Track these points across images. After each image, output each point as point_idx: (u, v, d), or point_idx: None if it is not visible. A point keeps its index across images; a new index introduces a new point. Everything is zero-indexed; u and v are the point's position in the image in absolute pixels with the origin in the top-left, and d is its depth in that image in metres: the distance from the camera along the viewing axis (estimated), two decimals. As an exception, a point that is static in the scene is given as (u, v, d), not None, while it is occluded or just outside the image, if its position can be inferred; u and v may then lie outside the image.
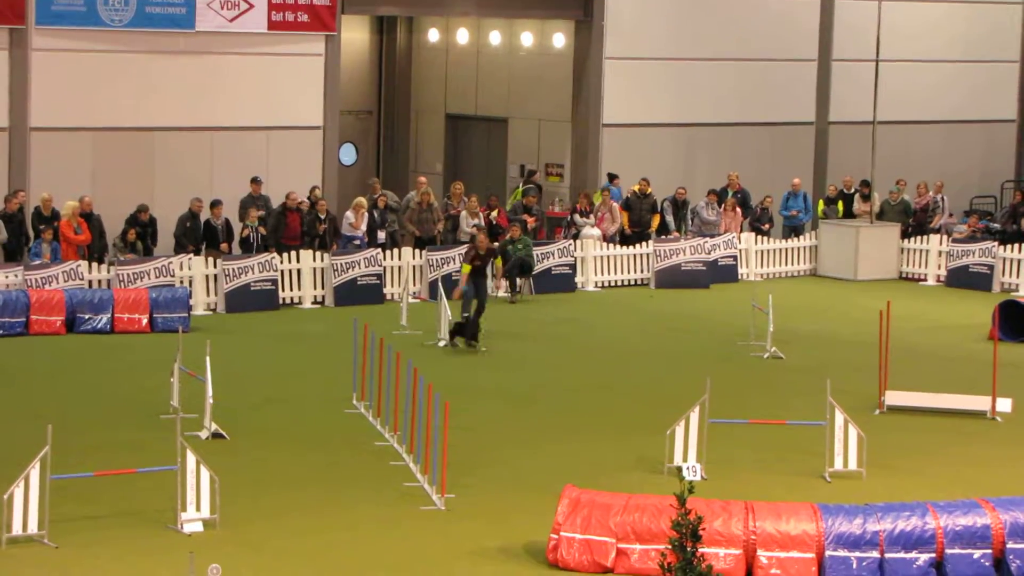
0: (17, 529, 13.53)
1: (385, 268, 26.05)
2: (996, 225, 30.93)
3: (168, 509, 14.15)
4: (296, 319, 24.54)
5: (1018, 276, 28.24)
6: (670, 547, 10.48)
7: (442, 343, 22.22)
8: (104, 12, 26.04)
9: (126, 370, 20.62)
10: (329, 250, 25.99)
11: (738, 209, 29.62)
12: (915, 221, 30.55)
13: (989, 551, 13.29)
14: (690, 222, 29.58)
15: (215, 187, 26.76)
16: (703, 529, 10.54)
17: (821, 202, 31.39)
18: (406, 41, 33.76)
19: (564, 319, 24.94)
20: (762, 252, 29.56)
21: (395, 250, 26.51)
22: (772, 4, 32.19)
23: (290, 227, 26.19)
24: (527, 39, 31.91)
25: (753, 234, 29.55)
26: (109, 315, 22.90)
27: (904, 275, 29.75)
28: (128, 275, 24.13)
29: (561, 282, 27.30)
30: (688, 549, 10.33)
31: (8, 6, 25.31)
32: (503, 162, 32.33)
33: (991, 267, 28.44)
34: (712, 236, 28.87)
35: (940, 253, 29.33)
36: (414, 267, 26.18)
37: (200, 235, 25.83)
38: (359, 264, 25.77)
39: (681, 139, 31.41)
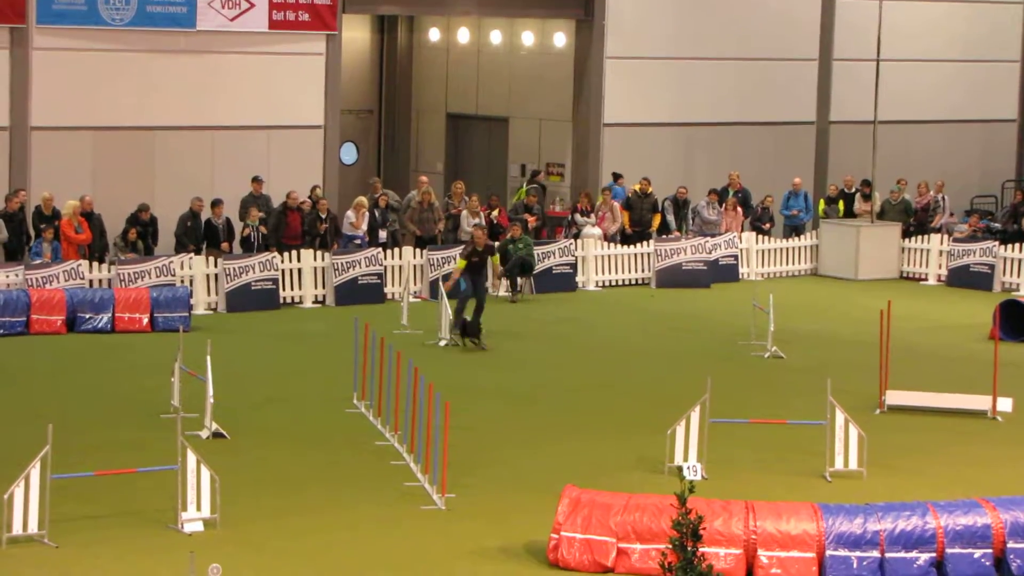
0: (17, 529, 13.54)
1: (386, 268, 26.05)
2: (997, 225, 30.93)
3: (168, 509, 14.15)
4: (297, 318, 24.54)
5: (1019, 276, 28.24)
6: (671, 547, 10.48)
7: (443, 342, 22.22)
8: (105, 11, 26.04)
9: (127, 370, 20.62)
10: (330, 249, 25.99)
11: (739, 209, 29.63)
12: (916, 221, 30.55)
13: (990, 551, 13.29)
14: (691, 221, 29.58)
15: (216, 186, 26.76)
16: (703, 529, 10.54)
17: (822, 201, 31.39)
18: (407, 40, 33.77)
19: (565, 318, 24.94)
20: (763, 252, 29.56)
21: (396, 249, 26.51)
22: (773, 3, 32.19)
23: (291, 226, 26.19)
24: (528, 38, 31.91)
25: (754, 233, 29.55)
26: (110, 314, 22.90)
27: (905, 275, 29.75)
28: (129, 274, 24.13)
29: (562, 281, 27.30)
30: (689, 549, 10.33)
31: (9, 5, 25.32)
32: (504, 162, 32.33)
33: (992, 267, 28.43)
34: (713, 236, 28.88)
35: (941, 253, 29.33)
36: (415, 267, 26.18)
37: (201, 234, 25.83)
38: (360, 263, 25.77)
39: (682, 138, 31.41)
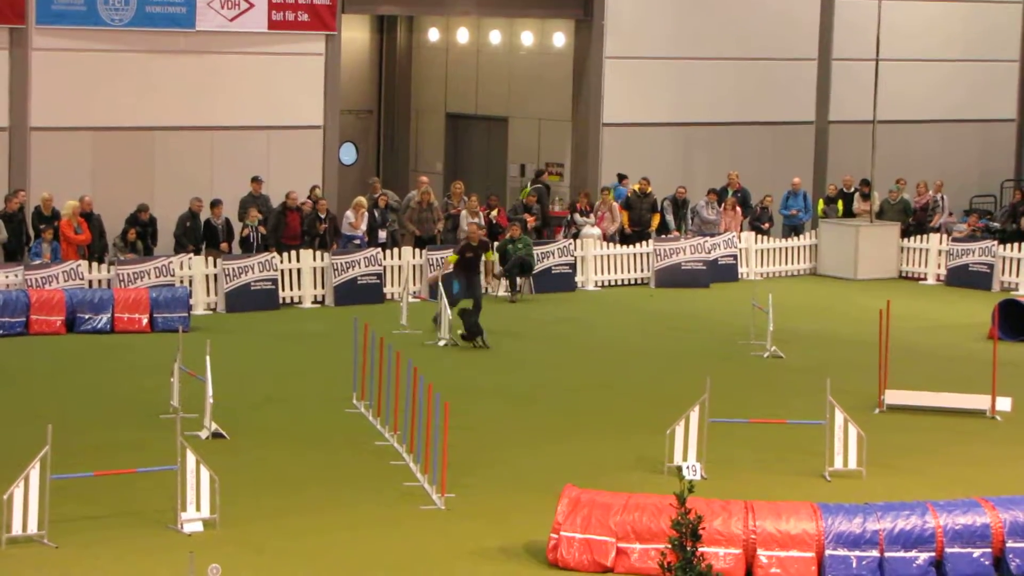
0: (17, 529, 13.54)
1: (385, 268, 26.06)
2: (996, 224, 30.93)
3: (168, 509, 14.16)
4: (296, 319, 24.55)
5: (1018, 275, 28.25)
6: (670, 546, 10.49)
7: (442, 343, 22.23)
8: (104, 11, 26.04)
9: (126, 370, 20.62)
10: (329, 250, 25.99)
11: (738, 208, 29.63)
12: (915, 220, 30.56)
13: (989, 550, 13.30)
14: (690, 221, 29.59)
15: (215, 187, 26.76)
16: (703, 528, 10.55)
17: (821, 201, 31.40)
18: (406, 40, 33.77)
19: (564, 318, 24.94)
20: (762, 251, 29.57)
21: (395, 250, 26.52)
22: (772, 3, 32.20)
23: (290, 227, 26.19)
24: (527, 38, 31.91)
25: (753, 233, 29.56)
26: (109, 315, 22.91)
27: (904, 274, 29.76)
28: (128, 275, 24.14)
29: (561, 281, 27.31)
30: (688, 548, 10.34)
31: (8, 5, 25.32)
32: (503, 161, 32.33)
33: (991, 266, 28.44)
34: (712, 235, 28.88)
35: (940, 252, 29.34)
36: (414, 267, 26.19)
37: (200, 235, 25.83)
38: (359, 264, 25.77)
39: (681, 138, 31.42)
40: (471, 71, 32.80)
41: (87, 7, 25.89)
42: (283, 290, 25.37)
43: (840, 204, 30.90)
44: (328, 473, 15.99)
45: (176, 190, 26.33)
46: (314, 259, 25.65)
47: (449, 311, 22.27)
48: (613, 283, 28.09)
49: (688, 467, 15.61)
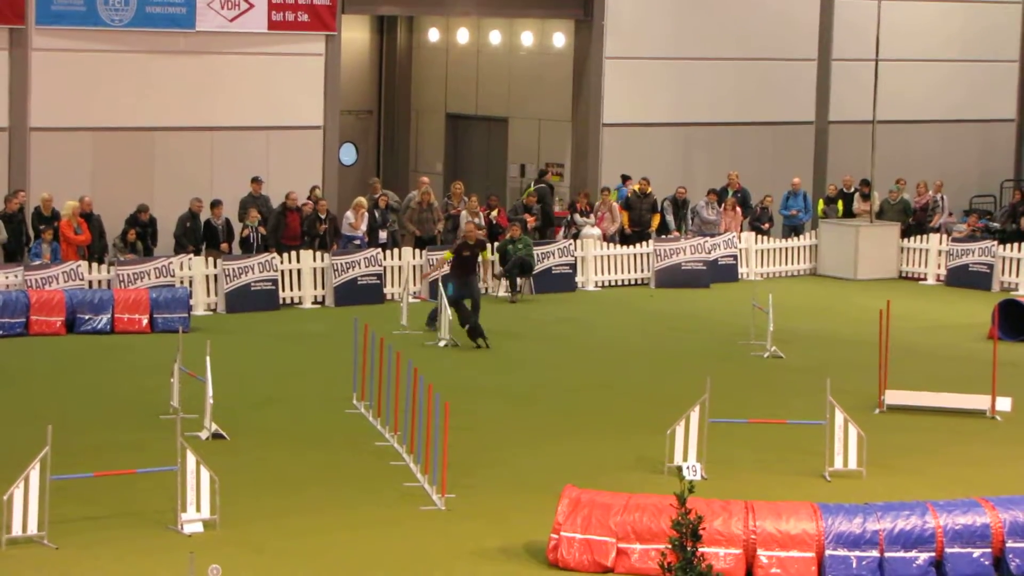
0: (17, 530, 13.54)
1: (385, 268, 26.07)
2: (995, 224, 30.94)
3: (168, 510, 14.16)
4: (296, 319, 24.55)
5: (1017, 275, 28.25)
6: (670, 547, 10.49)
7: (442, 343, 22.23)
8: (104, 12, 26.04)
9: (126, 370, 20.62)
10: (329, 250, 26.00)
11: (738, 208, 29.64)
12: (915, 220, 30.56)
13: (989, 550, 13.30)
14: (690, 221, 29.60)
15: (215, 187, 26.76)
16: (703, 529, 10.55)
17: (821, 201, 31.40)
18: (406, 41, 33.77)
19: (564, 319, 24.95)
20: (762, 251, 29.57)
21: (395, 250, 26.52)
22: (772, 4, 32.20)
23: (290, 227, 26.20)
24: (527, 39, 31.92)
25: (753, 233, 29.57)
26: (109, 315, 22.91)
27: (904, 274, 29.77)
28: (128, 275, 24.14)
29: (561, 282, 27.31)
30: (688, 549, 10.33)
31: (8, 6, 25.32)
32: (503, 162, 32.34)
33: (991, 266, 28.45)
34: (712, 235, 28.89)
35: (940, 252, 29.34)
36: (414, 267, 26.19)
37: (200, 235, 25.84)
38: (359, 264, 25.78)
39: (681, 138, 31.42)
40: (471, 71, 32.80)
41: (87, 7, 25.89)
42: (283, 290, 25.37)
43: (840, 204, 30.91)
44: (328, 473, 15.99)
45: (176, 190, 26.33)
46: (314, 260, 25.66)
47: (448, 311, 22.27)
48: (613, 283, 28.10)
49: (688, 467, 15.61)
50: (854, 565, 13.14)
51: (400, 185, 31.69)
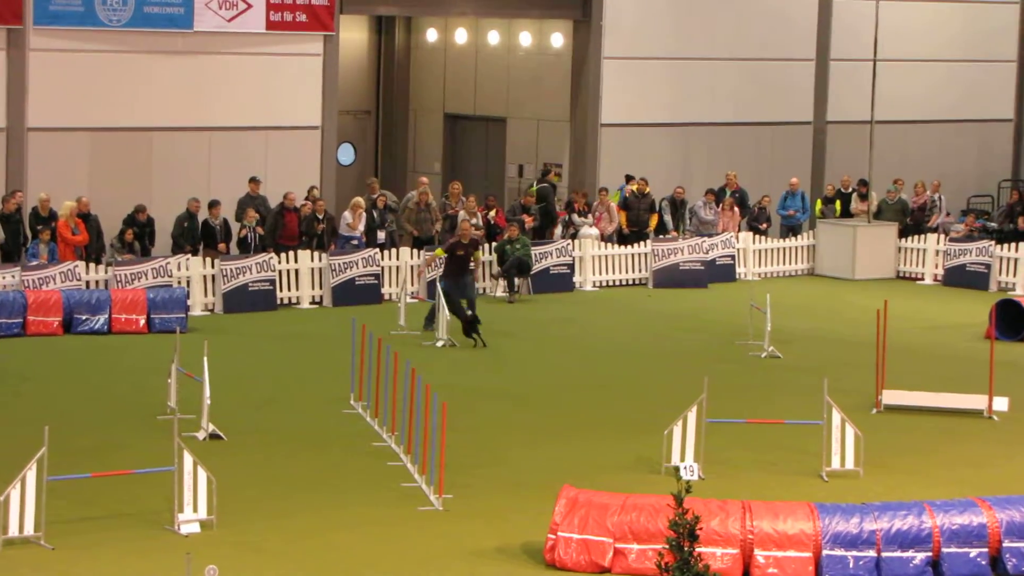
0: (14, 531, 13.53)
1: (383, 268, 26.07)
2: (993, 224, 30.95)
3: (165, 510, 14.16)
4: (294, 319, 24.55)
5: (1015, 275, 28.26)
6: (667, 547, 10.49)
7: (440, 343, 22.22)
8: (102, 12, 26.04)
9: (123, 371, 20.62)
10: (327, 250, 25.99)
11: (736, 209, 29.65)
12: (912, 220, 30.57)
13: (985, 550, 13.31)
14: (688, 222, 29.61)
15: (213, 187, 26.75)
16: (700, 529, 10.54)
17: (819, 201, 31.41)
18: (404, 41, 33.77)
19: (562, 319, 24.95)
20: (760, 251, 29.57)
21: (393, 250, 26.52)
22: (770, 4, 32.21)
23: (288, 227, 26.20)
24: (526, 39, 31.92)
25: (751, 233, 29.57)
26: (106, 316, 22.90)
27: (901, 274, 29.77)
28: (126, 276, 24.14)
29: (559, 282, 27.31)
30: (685, 549, 10.33)
31: (6, 6, 25.30)
32: (502, 162, 32.33)
33: (988, 266, 28.45)
34: (710, 236, 28.90)
35: (937, 252, 29.35)
36: (412, 267, 26.19)
37: (198, 235, 25.83)
38: (357, 264, 25.78)
39: (679, 139, 31.42)
40: (469, 72, 32.80)
41: (85, 8, 25.88)
42: (281, 291, 25.37)
43: (838, 204, 30.91)
44: (326, 474, 15.98)
45: (174, 191, 26.32)
46: (312, 260, 25.65)
47: (446, 311, 22.27)
48: (611, 283, 28.10)
49: (686, 467, 15.61)
50: (851, 565, 13.14)
51: (398, 185, 31.68)
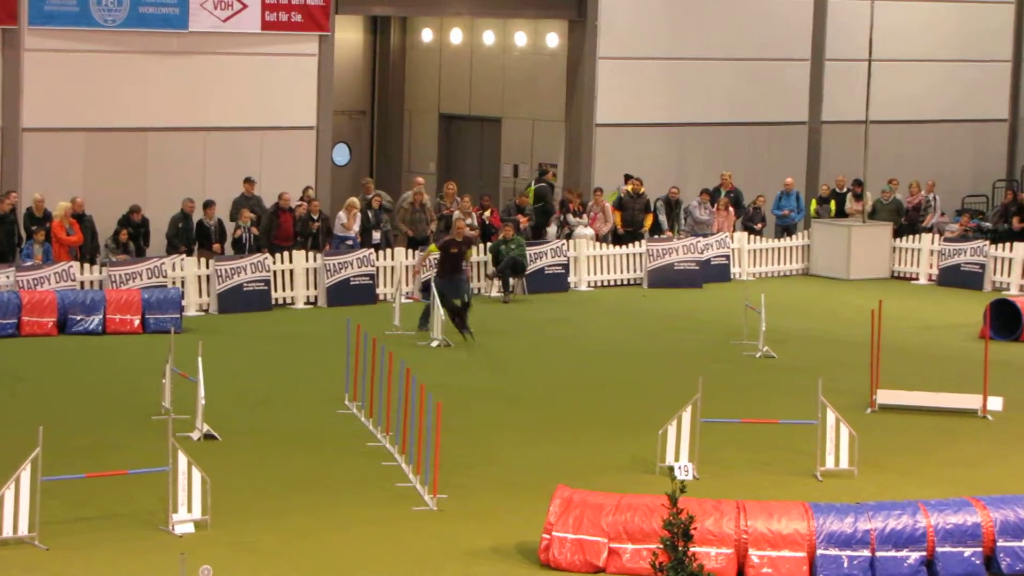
0: (7, 531, 13.52)
1: (378, 268, 26.06)
2: (988, 224, 30.97)
3: (160, 510, 14.15)
4: (289, 320, 24.54)
5: (1009, 275, 28.28)
6: (662, 547, 10.50)
7: (435, 343, 22.22)
8: (97, 12, 26.02)
9: (118, 371, 20.61)
10: (321, 250, 25.99)
11: (731, 208, 29.66)
12: (907, 220, 30.58)
13: (980, 549, 13.31)
14: (683, 222, 29.61)
15: (208, 188, 26.74)
16: (695, 528, 10.56)
17: (813, 201, 31.41)
18: (400, 41, 33.76)
19: (557, 319, 24.95)
20: (755, 251, 29.58)
21: (388, 250, 26.52)
22: (765, 4, 32.22)
23: (283, 227, 26.18)
24: (521, 39, 31.92)
25: (746, 233, 29.59)
26: (101, 316, 22.89)
27: (896, 274, 29.79)
28: (120, 276, 24.13)
29: (554, 282, 27.31)
30: (680, 548, 10.34)
31: (0, 6, 25.28)
32: (497, 162, 32.33)
33: (983, 266, 28.47)
34: (705, 235, 28.91)
35: (932, 252, 29.37)
36: (407, 267, 26.19)
37: (192, 236, 25.81)
38: (352, 264, 25.77)
39: (674, 139, 31.43)
40: (464, 72, 32.79)
41: (80, 8, 25.86)
42: (275, 291, 25.36)
43: (833, 204, 30.92)
44: (320, 474, 15.98)
45: (168, 191, 26.31)
46: (307, 260, 25.65)
47: (441, 312, 22.28)
48: (606, 283, 28.10)
49: (680, 467, 15.52)
50: (845, 565, 13.15)
51: (393, 185, 31.67)
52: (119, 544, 13.63)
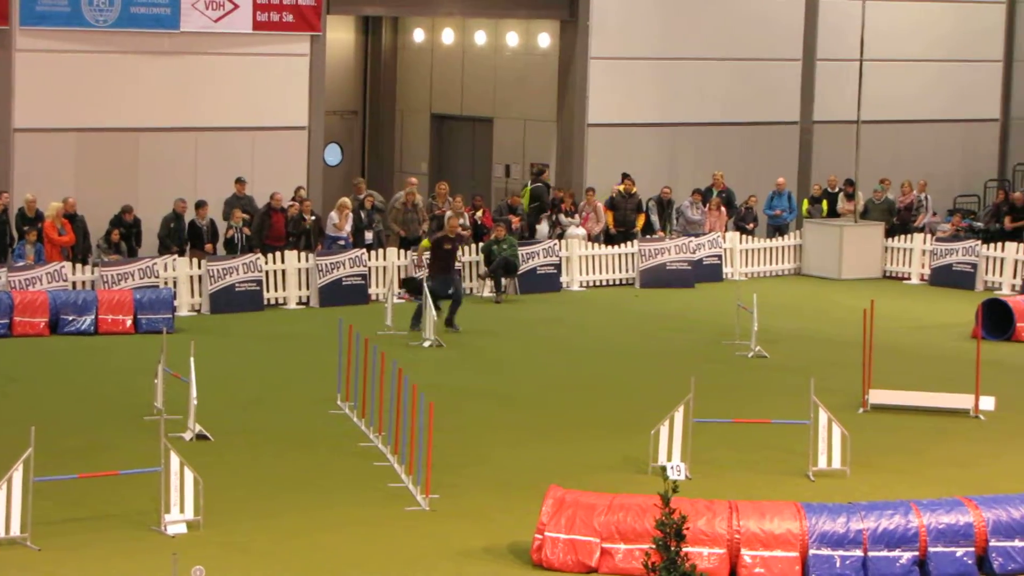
0: None
1: (370, 268, 26.06)
2: (979, 224, 31.01)
3: (152, 511, 14.14)
4: (281, 320, 24.53)
5: (1001, 275, 28.32)
6: (654, 547, 10.50)
7: (427, 343, 22.22)
8: (88, 12, 25.99)
9: (110, 372, 20.59)
10: (313, 251, 25.97)
11: (723, 208, 29.67)
12: (899, 220, 30.62)
13: (972, 549, 13.33)
14: (675, 221, 29.63)
15: (199, 188, 26.72)
16: (687, 528, 10.55)
17: (805, 201, 31.45)
18: (391, 41, 33.76)
19: (549, 319, 24.96)
20: (747, 251, 29.60)
21: (380, 250, 26.51)
22: (757, 4, 32.24)
23: (275, 228, 26.17)
24: (512, 39, 31.92)
25: (738, 233, 29.61)
26: (93, 316, 22.87)
27: (888, 274, 29.82)
28: (112, 276, 24.10)
29: (546, 282, 27.32)
30: (672, 548, 10.34)
31: (-8, 7, 25.28)
32: (488, 162, 32.33)
33: (974, 266, 28.51)
34: (697, 235, 28.92)
35: (924, 252, 29.40)
36: (399, 267, 26.18)
37: (184, 236, 25.80)
38: (344, 264, 25.77)
39: (666, 139, 31.44)
40: (456, 72, 32.79)
41: (71, 8, 25.83)
42: (268, 291, 25.35)
43: (824, 204, 30.96)
44: (312, 474, 15.97)
45: (160, 191, 26.29)
46: (299, 260, 25.64)
47: (434, 312, 22.28)
48: (598, 283, 28.11)
49: (672, 467, 15.61)
50: (838, 564, 13.16)
51: (385, 186, 31.67)
52: (111, 544, 13.62)
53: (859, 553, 13.20)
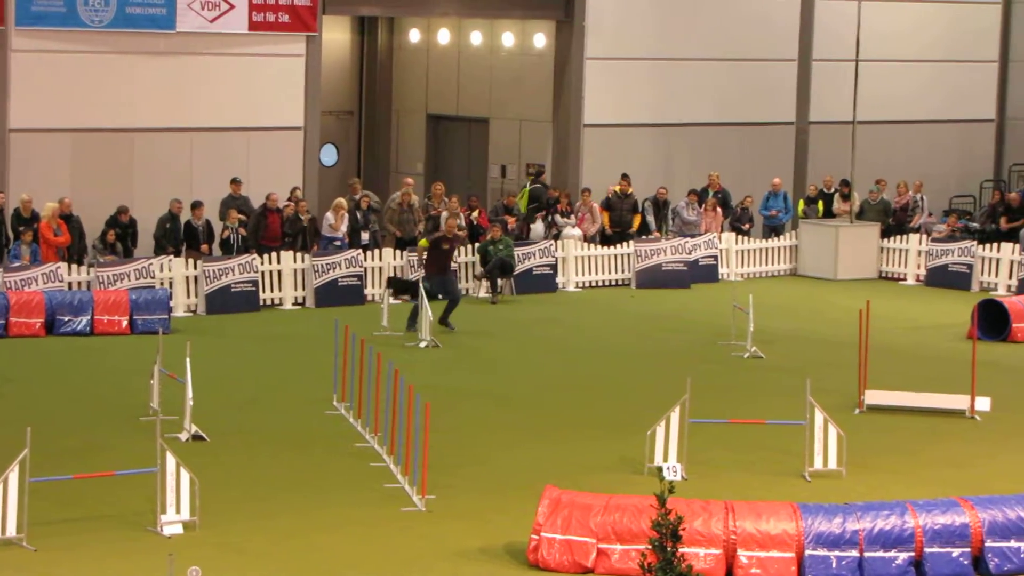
0: (-4, 532, 13.51)
1: (366, 269, 26.06)
2: (975, 224, 31.03)
3: (148, 511, 14.14)
4: (277, 320, 24.53)
5: (997, 275, 28.34)
6: (650, 547, 10.50)
7: (423, 344, 22.23)
8: (84, 13, 25.98)
9: (106, 372, 20.58)
10: (309, 251, 25.97)
11: (718, 209, 29.69)
12: (895, 221, 30.64)
13: (968, 550, 13.34)
14: (671, 222, 29.64)
15: (195, 188, 26.71)
16: (683, 529, 10.56)
17: (801, 202, 31.46)
18: (387, 42, 33.75)
19: (545, 319, 24.96)
20: (742, 252, 29.61)
21: (376, 251, 26.51)
22: (752, 5, 32.25)
23: (270, 228, 26.17)
24: (508, 39, 31.92)
25: (733, 234, 29.62)
26: (89, 317, 22.85)
27: (884, 274, 29.84)
28: (108, 277, 24.09)
29: (542, 282, 27.32)
30: (668, 549, 10.34)
31: (-13, 7, 25.27)
32: (484, 162, 32.34)
33: (970, 266, 28.53)
34: (693, 236, 28.93)
35: (919, 252, 29.42)
36: (395, 268, 26.18)
37: (180, 236, 25.79)
38: (340, 265, 25.76)
39: (662, 139, 31.45)
40: (452, 72, 32.80)
41: (67, 8, 25.82)
42: (263, 292, 25.34)
43: (820, 205, 30.97)
44: (308, 475, 15.97)
45: (156, 192, 26.28)
46: (295, 260, 25.63)
47: (430, 312, 22.28)
48: (594, 284, 28.12)
49: (669, 468, 15.57)
50: (834, 565, 13.17)
51: (381, 186, 31.67)
52: (107, 545, 13.61)
53: (855, 554, 13.20)
